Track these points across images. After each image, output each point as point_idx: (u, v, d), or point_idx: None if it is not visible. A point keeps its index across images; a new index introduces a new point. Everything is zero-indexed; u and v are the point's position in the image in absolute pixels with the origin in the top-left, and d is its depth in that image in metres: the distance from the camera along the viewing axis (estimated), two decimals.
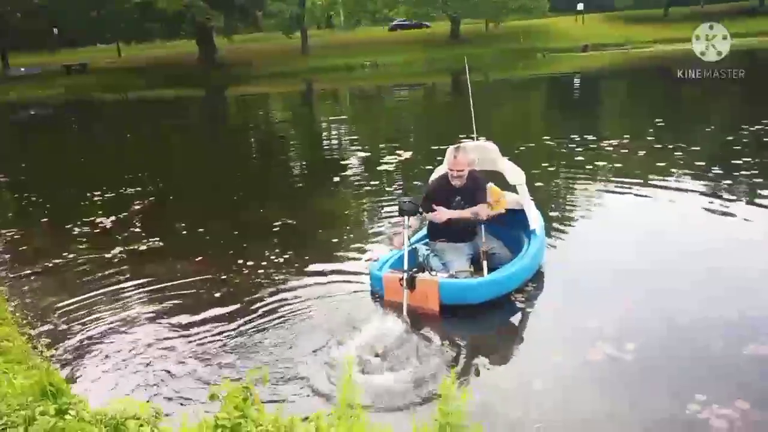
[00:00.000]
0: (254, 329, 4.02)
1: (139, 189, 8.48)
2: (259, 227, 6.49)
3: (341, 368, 3.28)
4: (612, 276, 4.60)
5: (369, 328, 3.85)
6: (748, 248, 4.98)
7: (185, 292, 4.77)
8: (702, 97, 16.52)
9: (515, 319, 4.00)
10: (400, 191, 7.59)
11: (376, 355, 3.49)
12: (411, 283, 4.03)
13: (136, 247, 5.95)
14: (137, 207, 7.57)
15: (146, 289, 4.89)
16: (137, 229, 6.58)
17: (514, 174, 4.89)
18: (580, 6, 41.46)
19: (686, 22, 40.65)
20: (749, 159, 7.64)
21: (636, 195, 6.62)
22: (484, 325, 3.89)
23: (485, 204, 4.50)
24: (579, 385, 3.24)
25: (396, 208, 4.87)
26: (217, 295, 4.61)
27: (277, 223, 6.38)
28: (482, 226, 4.54)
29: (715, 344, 3.54)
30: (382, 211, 6.72)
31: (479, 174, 4.64)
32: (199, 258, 5.55)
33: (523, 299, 4.22)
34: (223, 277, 5.01)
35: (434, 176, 4.91)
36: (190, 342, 3.92)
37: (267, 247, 5.60)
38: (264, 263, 5.23)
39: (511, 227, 4.82)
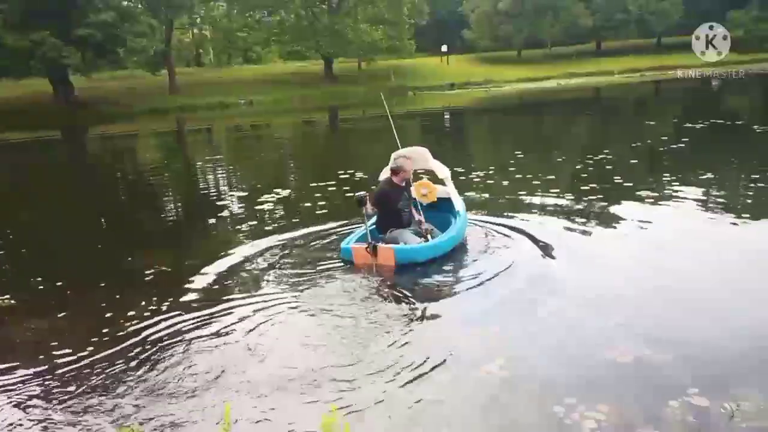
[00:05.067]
0: (129, 385, 3.72)
1: None
2: (130, 277, 6.06)
3: (221, 415, 3.15)
4: (484, 300, 4.89)
5: (252, 371, 3.78)
6: (602, 265, 5.56)
7: (46, 352, 4.32)
8: (555, 130, 18.25)
9: (396, 345, 4.08)
10: (284, 228, 7.51)
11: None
12: (374, 251, 5.42)
13: None
14: None
15: None
16: None
17: (442, 170, 6.52)
18: (444, 48, 44.44)
19: (538, 63, 45.24)
20: (595, 185, 8.57)
21: (502, 223, 7.05)
22: (368, 354, 3.93)
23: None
24: (461, 402, 3.39)
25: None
26: (84, 352, 4.22)
27: (150, 272, 6.01)
28: (421, 212, 6.12)
29: (578, 353, 3.88)
30: (263, 250, 6.55)
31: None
32: (62, 314, 5.07)
33: (385, 322, 4.38)
34: (92, 333, 4.59)
35: (381, 178, 6.37)
36: (52, 408, 3.54)
37: (141, 297, 5.23)
38: (144, 314, 4.85)
39: (441, 210, 6.47)
